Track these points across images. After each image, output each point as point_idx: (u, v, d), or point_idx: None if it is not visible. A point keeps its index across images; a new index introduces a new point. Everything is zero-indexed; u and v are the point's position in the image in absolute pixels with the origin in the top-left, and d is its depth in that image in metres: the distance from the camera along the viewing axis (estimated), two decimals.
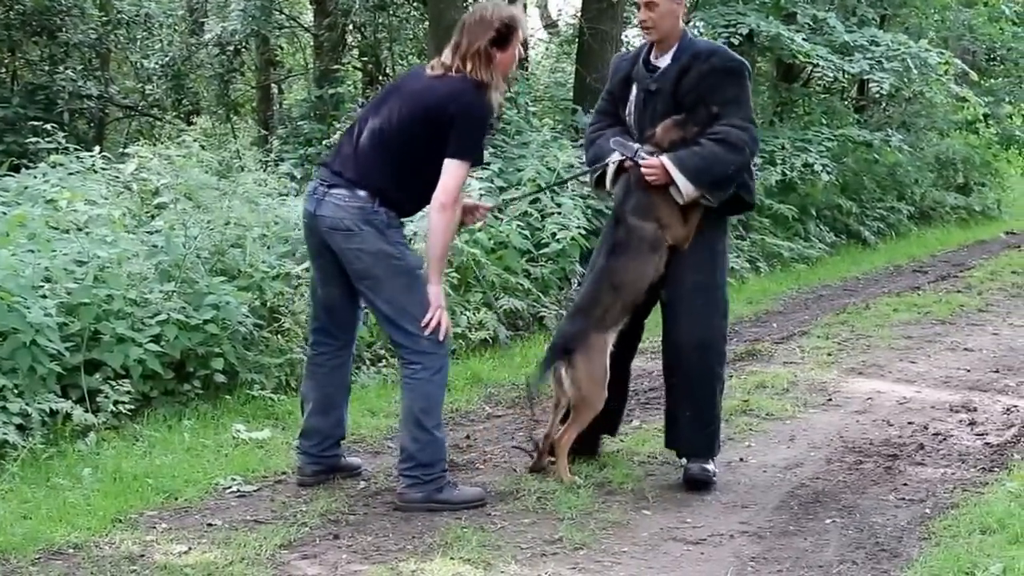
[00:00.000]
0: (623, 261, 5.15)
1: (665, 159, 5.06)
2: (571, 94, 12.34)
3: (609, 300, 5.16)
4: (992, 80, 18.35)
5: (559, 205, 8.93)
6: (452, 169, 4.72)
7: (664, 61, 5.22)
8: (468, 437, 5.93)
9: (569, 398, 5.16)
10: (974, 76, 14.81)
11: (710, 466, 5.27)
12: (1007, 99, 17.85)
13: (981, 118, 15.74)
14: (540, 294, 8.52)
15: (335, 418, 5.14)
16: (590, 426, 5.28)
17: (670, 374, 5.32)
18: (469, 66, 4.78)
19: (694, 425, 5.25)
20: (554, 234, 8.69)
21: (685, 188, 5.05)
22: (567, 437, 5.21)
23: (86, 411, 5.47)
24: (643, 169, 5.08)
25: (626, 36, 15.91)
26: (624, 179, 5.24)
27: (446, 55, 4.86)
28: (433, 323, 4.76)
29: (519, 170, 9.33)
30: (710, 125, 5.08)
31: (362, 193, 4.75)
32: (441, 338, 4.80)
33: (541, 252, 8.68)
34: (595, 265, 5.33)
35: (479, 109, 4.78)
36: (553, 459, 5.26)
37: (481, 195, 7.95)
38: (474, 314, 7.70)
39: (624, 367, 5.49)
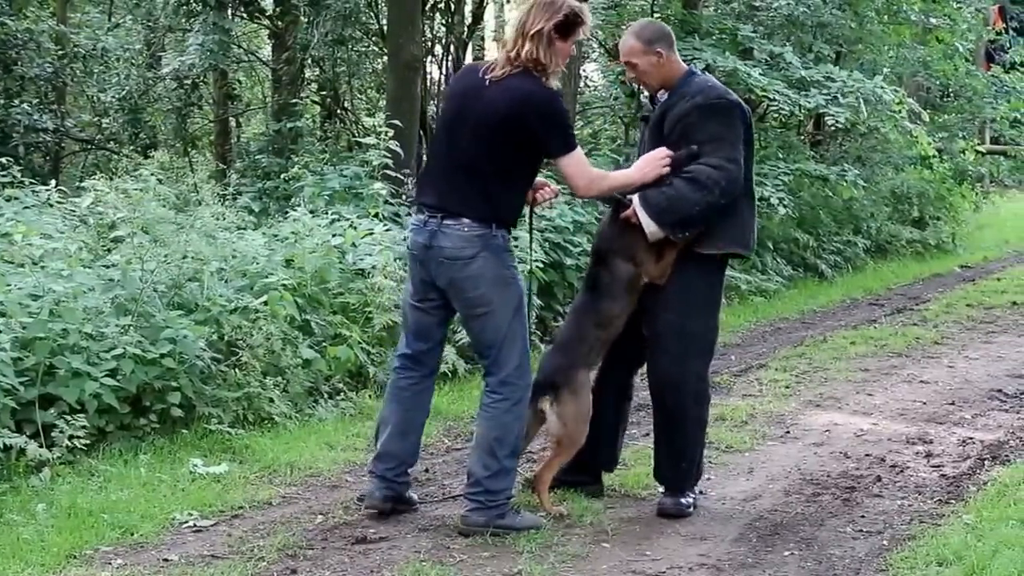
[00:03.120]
0: (606, 301, 5.22)
1: (635, 197, 5.11)
2: None
3: (593, 337, 5.22)
4: (946, 116, 18.57)
5: (516, 239, 8.90)
6: (566, 163, 4.86)
7: (664, 96, 5.30)
8: (427, 471, 5.90)
9: (553, 434, 5.22)
10: (925, 117, 14.98)
11: (686, 500, 5.32)
12: (960, 135, 18.07)
13: (934, 154, 15.89)
14: None
15: (411, 443, 5.17)
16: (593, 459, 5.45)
17: (653, 408, 5.44)
18: (528, 46, 4.77)
19: (668, 460, 5.35)
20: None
21: (648, 227, 5.10)
22: (548, 473, 5.26)
23: (40, 446, 5.42)
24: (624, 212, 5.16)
25: (584, 71, 16.05)
26: (606, 217, 5.34)
27: (507, 35, 4.89)
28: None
29: None
30: (688, 163, 5.11)
31: (475, 222, 4.81)
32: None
33: None
34: (577, 302, 5.40)
35: (550, 103, 4.83)
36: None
37: None
38: None
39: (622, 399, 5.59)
